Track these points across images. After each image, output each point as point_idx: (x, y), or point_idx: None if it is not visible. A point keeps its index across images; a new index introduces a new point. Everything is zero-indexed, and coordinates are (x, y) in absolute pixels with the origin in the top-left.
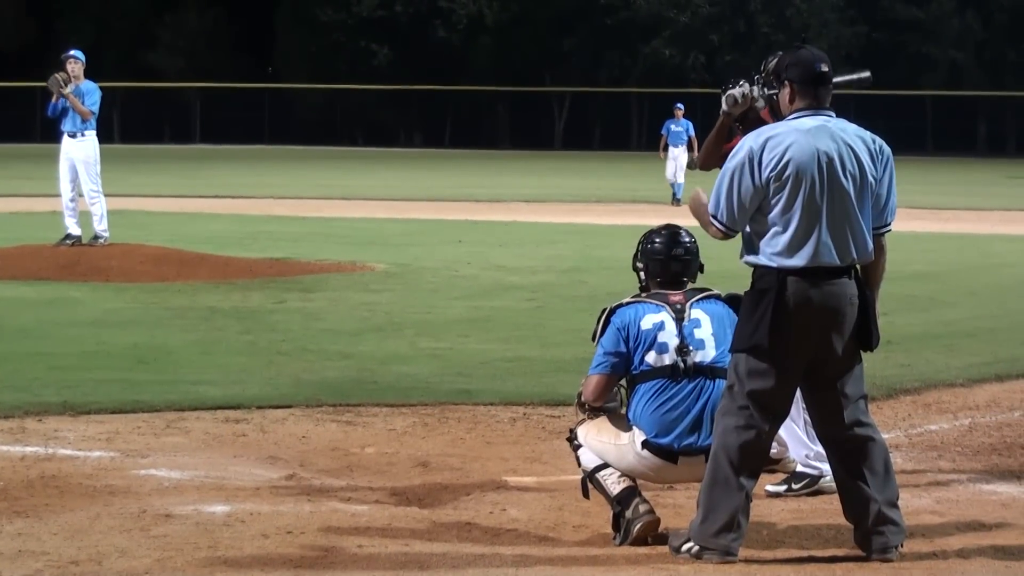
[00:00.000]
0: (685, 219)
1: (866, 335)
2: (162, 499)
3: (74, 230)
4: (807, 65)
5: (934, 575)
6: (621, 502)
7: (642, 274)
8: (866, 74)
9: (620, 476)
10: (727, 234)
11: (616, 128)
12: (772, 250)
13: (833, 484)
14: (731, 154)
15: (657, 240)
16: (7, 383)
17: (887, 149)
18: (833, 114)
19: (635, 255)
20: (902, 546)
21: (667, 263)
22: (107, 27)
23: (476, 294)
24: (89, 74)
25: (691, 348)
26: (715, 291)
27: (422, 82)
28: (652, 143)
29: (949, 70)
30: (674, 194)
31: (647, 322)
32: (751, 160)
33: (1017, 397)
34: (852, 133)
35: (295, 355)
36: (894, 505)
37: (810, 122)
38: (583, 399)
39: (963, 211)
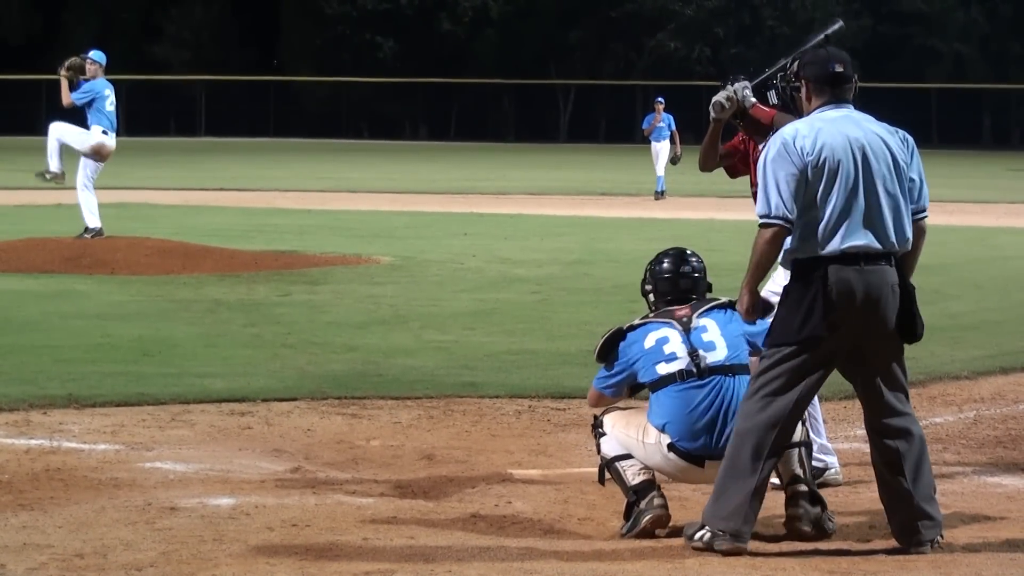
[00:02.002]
0: (671, 211)
1: (911, 324)
2: (167, 492)
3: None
4: (822, 64)
5: (939, 567)
6: (638, 492)
7: (651, 296)
8: (838, 23)
9: (641, 468)
10: (787, 228)
11: (621, 121)
12: (813, 238)
13: (839, 477)
14: (764, 150)
15: (665, 260)
16: (12, 376)
17: (910, 138)
18: (853, 107)
19: (643, 279)
20: (941, 539)
21: (675, 280)
22: (113, 20)
23: (481, 287)
24: None
25: (701, 351)
26: (723, 300)
27: (427, 75)
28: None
29: (954, 63)
30: (657, 188)
31: (650, 340)
32: (787, 149)
33: (1022, 390)
34: (875, 123)
35: (300, 348)
36: (931, 499)
37: (834, 113)
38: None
39: (968, 204)
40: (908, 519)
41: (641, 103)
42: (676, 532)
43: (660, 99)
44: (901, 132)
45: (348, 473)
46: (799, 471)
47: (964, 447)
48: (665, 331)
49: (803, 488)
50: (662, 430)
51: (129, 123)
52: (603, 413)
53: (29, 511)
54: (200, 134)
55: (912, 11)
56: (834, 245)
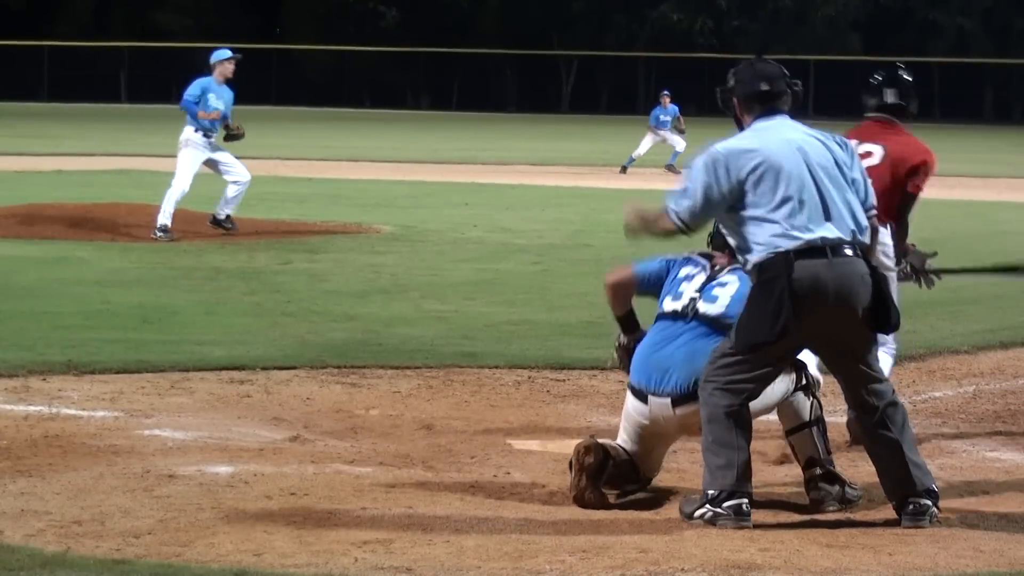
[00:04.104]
0: (672, 182)
1: (885, 313)
2: (166, 459)
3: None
4: (749, 83)
5: (937, 541)
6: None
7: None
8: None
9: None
10: (682, 231)
11: (623, 92)
12: (773, 235)
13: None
14: (697, 159)
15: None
16: (12, 342)
17: (848, 141)
18: (788, 115)
19: (711, 234)
20: (938, 511)
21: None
22: None
23: (482, 257)
24: (97, 34)
25: (702, 300)
26: None
27: (430, 44)
28: None
29: (957, 37)
30: (625, 163)
31: (683, 272)
32: (716, 164)
33: (1022, 364)
34: (810, 130)
35: (300, 316)
36: (919, 458)
37: (768, 122)
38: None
39: (969, 178)
40: (900, 471)
41: (643, 74)
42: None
43: (666, 92)
44: (838, 136)
45: (347, 442)
46: (814, 452)
47: (963, 421)
48: (697, 270)
49: (819, 471)
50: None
51: (131, 90)
52: None
53: (27, 477)
54: None
55: None
56: (797, 240)
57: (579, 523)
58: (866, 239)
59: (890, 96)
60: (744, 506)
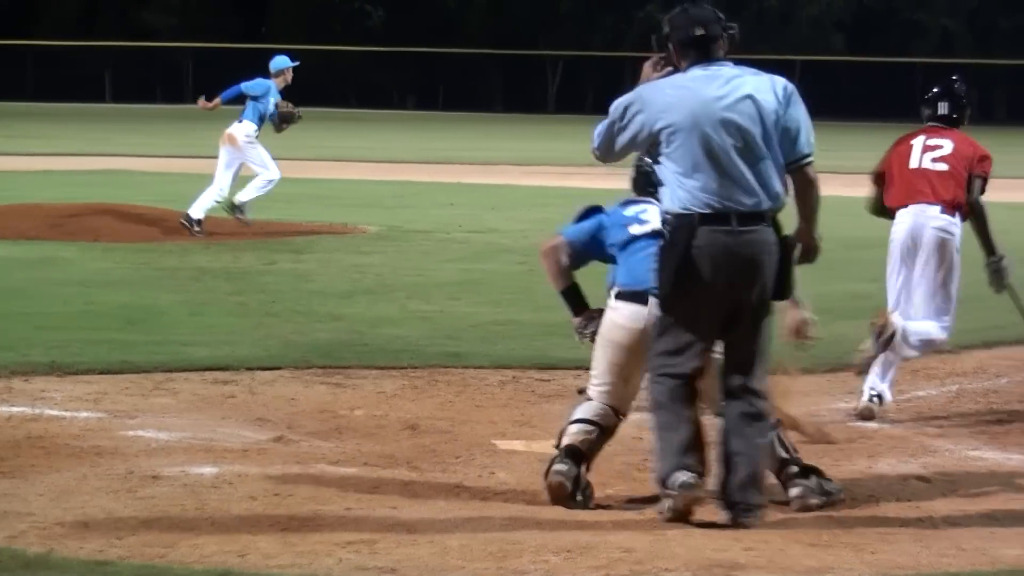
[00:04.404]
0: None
1: (778, 285)
2: (149, 460)
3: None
4: (684, 28)
5: (920, 540)
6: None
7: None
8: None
9: (576, 433)
10: (599, 159)
11: (609, 92)
12: (682, 195)
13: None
14: (624, 95)
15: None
16: None
17: (791, 86)
18: (729, 63)
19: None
20: (760, 513)
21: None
22: None
23: (467, 257)
24: (82, 34)
25: None
26: None
27: (416, 44)
28: None
29: (941, 37)
30: None
31: (631, 210)
32: (631, 107)
33: (1004, 363)
34: (749, 78)
35: (285, 316)
36: (764, 470)
37: (700, 72)
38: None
39: None
40: (737, 484)
41: (630, 74)
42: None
43: None
44: (781, 82)
45: (331, 442)
46: (783, 453)
47: (946, 421)
48: (646, 206)
49: (794, 469)
50: (612, 285)
51: (115, 90)
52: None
53: (10, 479)
54: (187, 101)
55: None
56: (703, 205)
57: (563, 523)
58: (779, 202)
59: (942, 108)
60: (689, 478)
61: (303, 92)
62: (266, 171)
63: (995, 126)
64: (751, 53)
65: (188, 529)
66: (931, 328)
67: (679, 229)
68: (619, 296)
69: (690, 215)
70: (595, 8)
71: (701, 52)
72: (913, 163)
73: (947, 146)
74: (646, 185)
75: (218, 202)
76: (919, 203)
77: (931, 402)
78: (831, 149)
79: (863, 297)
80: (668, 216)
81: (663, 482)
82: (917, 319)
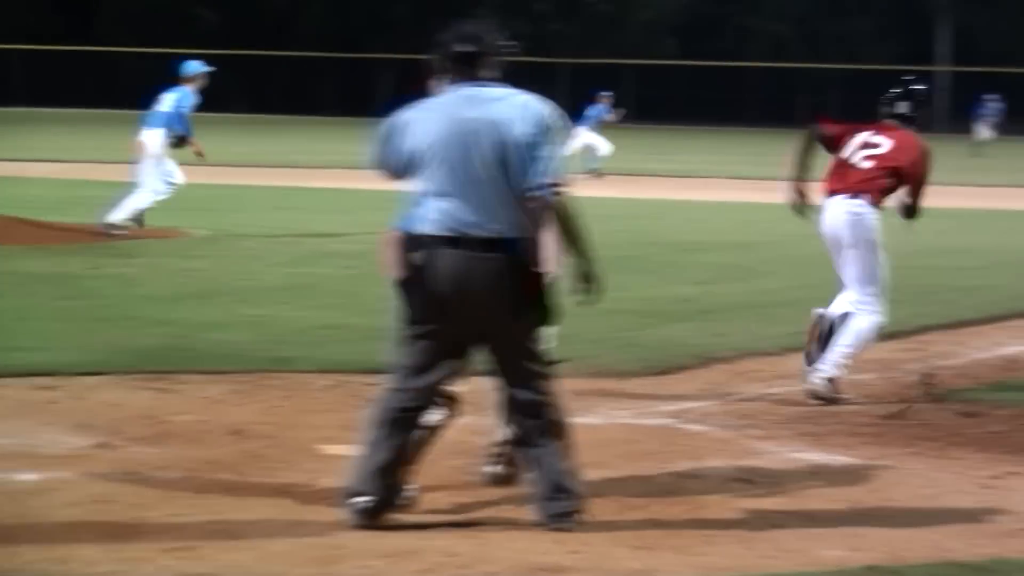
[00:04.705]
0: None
1: (532, 311)
2: None
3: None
4: (446, 44)
5: (744, 541)
6: None
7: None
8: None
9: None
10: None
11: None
12: (419, 212)
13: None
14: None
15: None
16: None
17: (547, 111)
18: (496, 84)
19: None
20: (579, 514)
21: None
22: None
23: (296, 261)
24: None
25: None
26: None
27: (249, 47)
28: None
29: (771, 42)
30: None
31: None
32: (385, 131)
33: None
34: (506, 103)
35: (112, 321)
36: (569, 473)
37: (457, 92)
38: None
39: (784, 182)
40: (547, 493)
41: None
42: (481, 506)
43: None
44: (539, 110)
45: (155, 448)
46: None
47: (770, 422)
48: None
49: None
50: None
51: None
52: None
53: None
54: (19, 104)
55: None
56: (432, 226)
57: (387, 527)
58: (517, 231)
59: (901, 107)
60: (365, 506)
61: (136, 96)
62: (146, 188)
63: None
64: (583, 57)
65: (8, 536)
66: (859, 324)
67: (408, 245)
68: None
69: (418, 235)
70: (429, 12)
71: (464, 70)
72: (846, 153)
73: (884, 146)
74: None
75: (158, 201)
76: (839, 195)
77: (755, 404)
78: (663, 153)
79: (690, 300)
80: (402, 231)
81: (347, 496)
82: (852, 301)
